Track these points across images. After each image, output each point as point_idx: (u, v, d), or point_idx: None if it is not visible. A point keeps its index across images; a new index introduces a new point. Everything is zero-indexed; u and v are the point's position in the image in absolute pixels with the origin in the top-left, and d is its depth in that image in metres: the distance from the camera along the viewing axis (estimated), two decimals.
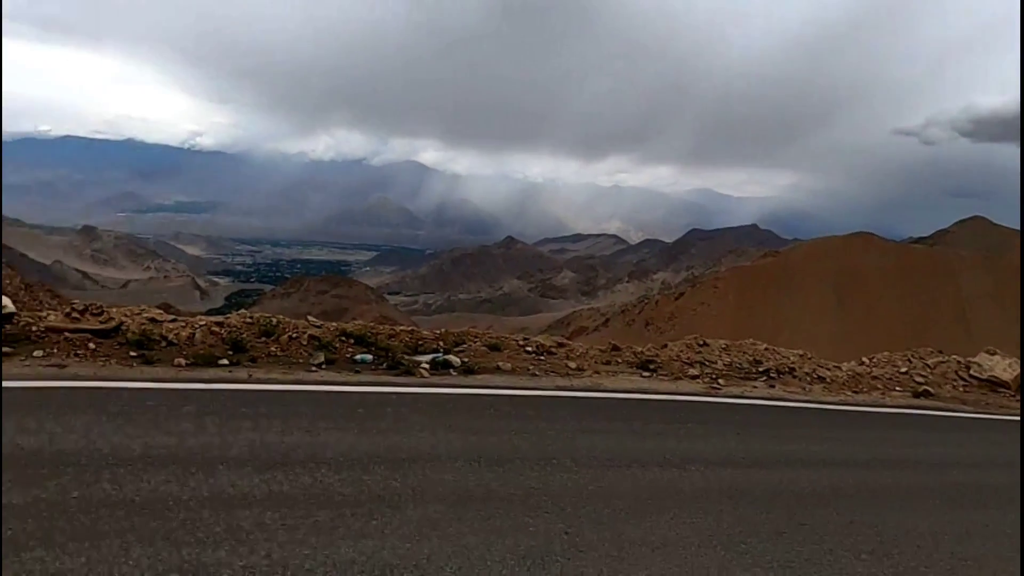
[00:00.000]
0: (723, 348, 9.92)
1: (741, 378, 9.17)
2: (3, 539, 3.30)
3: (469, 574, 3.56)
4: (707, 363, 9.40)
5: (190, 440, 4.77)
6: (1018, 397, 10.57)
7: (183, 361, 6.82)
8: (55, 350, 6.66)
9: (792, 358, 10.06)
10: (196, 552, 3.40)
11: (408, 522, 3.99)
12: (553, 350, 8.97)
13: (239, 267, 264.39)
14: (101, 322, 7.16)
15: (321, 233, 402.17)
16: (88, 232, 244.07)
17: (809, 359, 10.14)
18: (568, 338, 11.14)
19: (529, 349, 8.88)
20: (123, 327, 7.25)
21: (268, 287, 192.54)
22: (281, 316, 8.42)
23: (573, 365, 8.52)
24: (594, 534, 4.18)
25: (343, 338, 8.18)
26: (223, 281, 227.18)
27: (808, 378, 9.61)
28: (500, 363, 8.18)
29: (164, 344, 7.20)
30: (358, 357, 7.74)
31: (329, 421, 5.59)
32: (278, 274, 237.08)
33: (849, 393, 9.47)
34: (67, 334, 6.92)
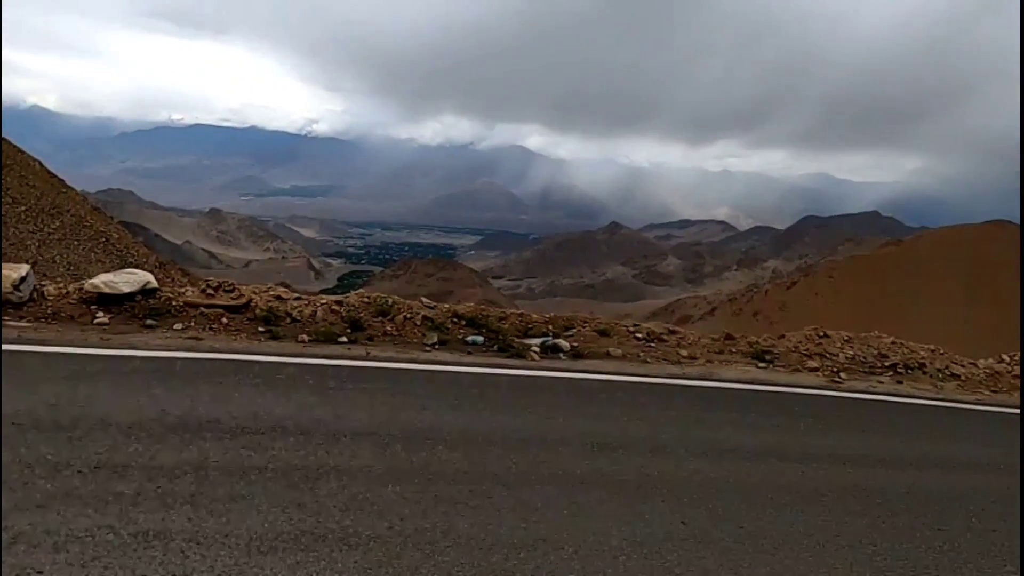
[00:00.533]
0: (845, 340, 9.45)
1: (865, 372, 8.71)
2: (155, 496, 3.56)
3: (585, 557, 3.55)
4: (828, 355, 8.98)
5: (316, 412, 5.00)
6: None
7: (306, 337, 7.15)
8: (192, 323, 7.13)
9: (922, 353, 9.46)
10: (321, 519, 3.56)
11: (523, 502, 4.02)
12: (664, 337, 8.81)
13: (351, 249, 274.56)
14: (233, 299, 7.59)
15: (428, 217, 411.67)
16: (214, 214, 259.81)
17: (941, 354, 9.51)
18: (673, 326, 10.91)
19: (639, 335, 8.76)
20: (252, 304, 7.66)
21: (378, 269, 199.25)
22: (396, 297, 8.67)
23: (685, 353, 8.34)
24: (712, 526, 4.08)
25: (455, 320, 8.33)
26: (336, 262, 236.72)
27: (940, 374, 9.01)
28: (610, 349, 8.11)
29: (289, 321, 7.56)
30: (469, 339, 7.87)
31: (444, 400, 5.72)
32: (387, 256, 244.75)
33: (987, 392, 8.82)
34: (203, 309, 7.39)
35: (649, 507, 4.19)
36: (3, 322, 6.43)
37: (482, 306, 9.13)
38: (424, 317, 8.13)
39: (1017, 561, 4.26)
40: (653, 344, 8.57)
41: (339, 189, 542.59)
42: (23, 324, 6.50)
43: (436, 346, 7.51)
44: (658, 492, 4.42)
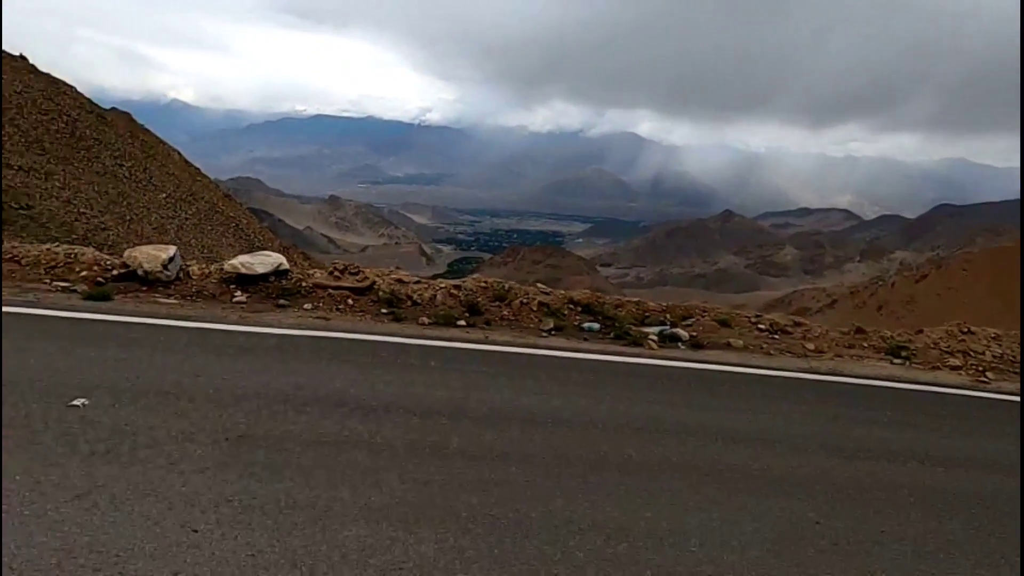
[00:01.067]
0: (992, 337, 8.73)
1: (1016, 372, 8.01)
2: (295, 465, 3.73)
3: (713, 550, 3.44)
4: (972, 353, 8.33)
5: (439, 392, 5.10)
6: None
7: (426, 320, 7.31)
8: (320, 304, 7.44)
9: None
10: (451, 498, 3.61)
11: (647, 492, 3.94)
12: (788, 329, 8.44)
13: (461, 236, 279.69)
14: (358, 281, 7.87)
15: (537, 204, 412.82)
16: (333, 201, 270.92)
17: None
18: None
19: (762, 327, 8.42)
20: (375, 286, 7.91)
21: (487, 255, 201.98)
22: (513, 283, 8.72)
23: (811, 346, 7.95)
24: (849, 528, 3.86)
25: (571, 306, 8.30)
26: (446, 248, 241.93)
27: None
28: (731, 340, 7.85)
29: (409, 303, 7.76)
30: (585, 325, 7.81)
31: (562, 385, 5.70)
32: (496, 243, 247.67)
33: None
34: (330, 290, 7.70)
35: (780, 504, 4.01)
36: (155, 299, 6.93)
37: (598, 293, 9.05)
38: (540, 303, 8.13)
39: None
40: (777, 336, 8.22)
41: (450, 177, 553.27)
42: (171, 301, 6.98)
43: (552, 332, 7.50)
44: (790, 489, 4.22)
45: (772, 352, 7.65)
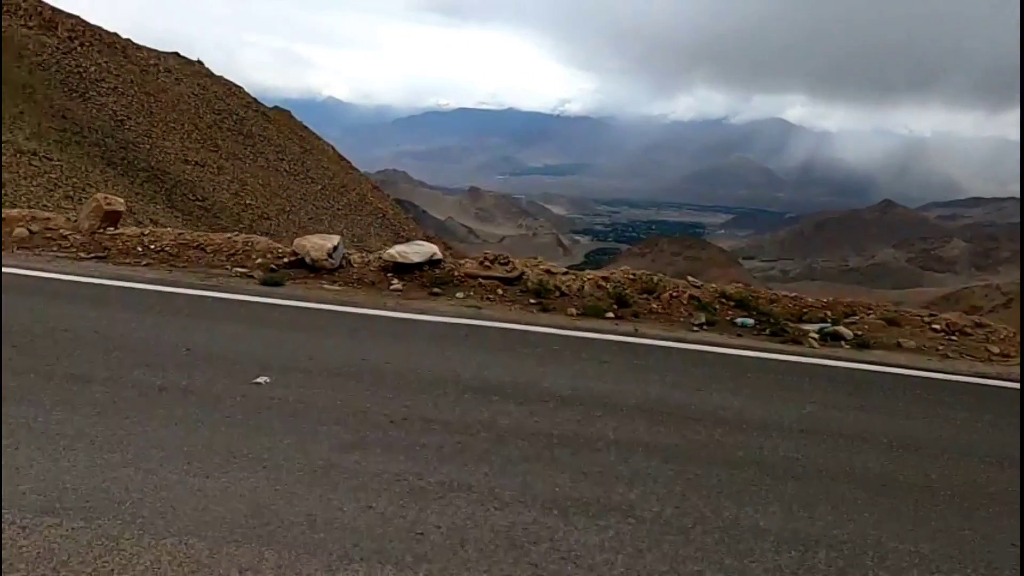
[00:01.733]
0: None
1: None
2: (455, 449, 3.85)
3: (895, 566, 3.21)
4: None
5: (592, 384, 5.09)
6: None
7: (574, 311, 7.32)
8: (471, 293, 7.63)
9: None
10: (607, 489, 3.59)
11: (819, 498, 3.74)
12: (968, 330, 7.73)
13: (598, 227, 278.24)
14: (507, 271, 8.00)
15: (677, 194, 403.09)
16: (474, 192, 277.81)
17: None
18: None
19: (936, 327, 7.76)
20: (524, 276, 8.01)
21: (624, 246, 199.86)
22: (661, 275, 8.55)
23: (996, 350, 7.24)
24: None
25: (723, 300, 8.02)
26: (583, 239, 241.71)
27: None
28: (900, 340, 7.29)
29: (558, 294, 7.80)
30: (739, 320, 7.53)
31: (718, 382, 5.53)
32: (633, 234, 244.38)
33: None
34: (480, 280, 7.88)
35: (974, 522, 3.67)
36: (321, 285, 7.39)
37: (751, 287, 8.69)
38: (691, 296, 7.92)
39: None
40: (954, 337, 7.55)
41: (589, 167, 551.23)
42: (336, 287, 7.41)
43: (704, 326, 7.29)
44: (986, 505, 3.86)
45: (949, 355, 7.03)
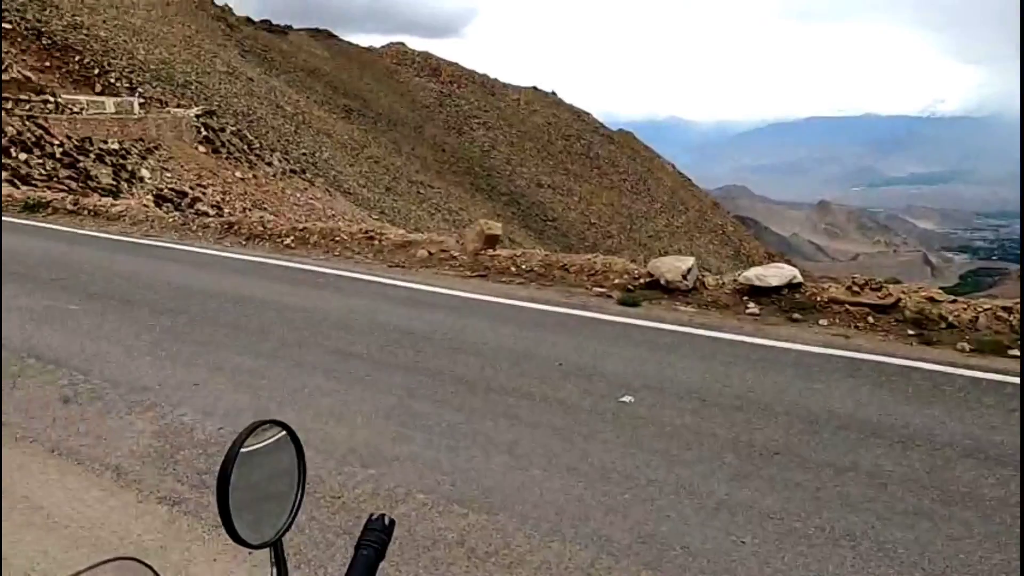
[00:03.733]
0: None
1: None
2: (835, 493, 3.59)
3: None
4: None
5: (996, 438, 4.35)
6: None
7: (966, 346, 6.35)
8: (837, 320, 7.06)
9: None
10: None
11: None
12: None
13: (978, 242, 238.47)
14: (879, 297, 7.25)
15: None
16: (823, 207, 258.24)
17: None
18: None
19: None
20: (900, 303, 7.19)
21: (1012, 266, 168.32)
22: None
23: None
24: None
25: None
26: (958, 257, 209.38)
27: None
28: None
29: (943, 325, 6.84)
30: None
31: None
32: None
33: None
34: (847, 306, 7.26)
35: None
36: (676, 306, 7.47)
37: None
38: None
39: None
40: None
41: (966, 174, 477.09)
42: (690, 309, 7.43)
43: None
44: None
45: None
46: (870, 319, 7.02)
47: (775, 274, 7.66)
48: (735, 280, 7.88)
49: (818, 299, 7.46)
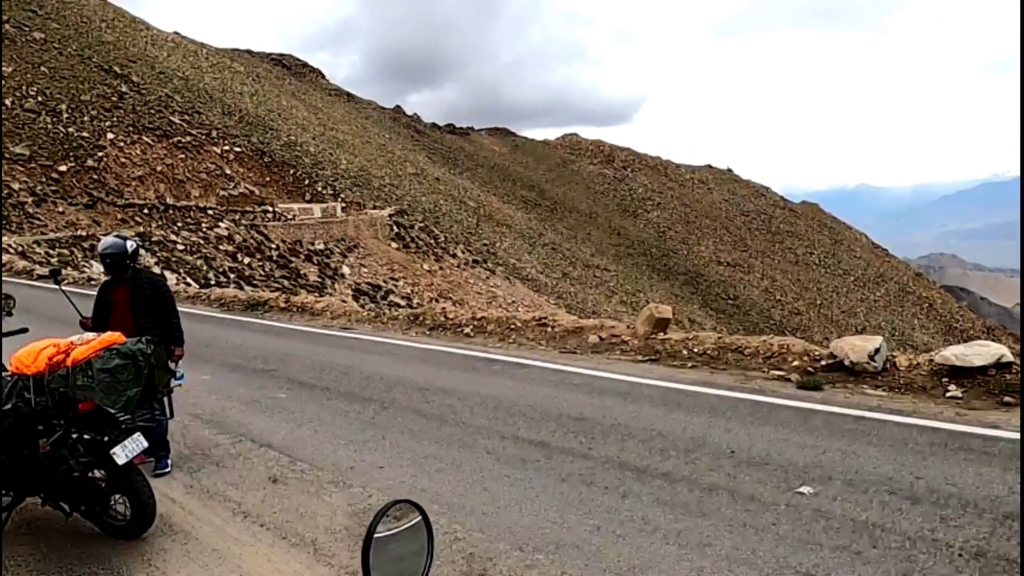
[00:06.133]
0: None
1: None
2: None
3: None
4: None
5: None
6: None
7: None
8: None
9: None
10: None
11: None
12: None
13: None
14: None
15: None
16: None
17: None
18: None
19: None
20: None
21: None
22: None
23: None
24: None
25: None
26: None
27: None
28: None
29: None
30: None
31: None
32: None
33: None
34: None
35: None
36: (863, 390, 7.00)
37: None
38: None
39: None
40: None
41: None
42: (879, 392, 6.92)
43: None
44: None
45: None
46: None
47: (979, 352, 6.97)
48: (931, 360, 7.26)
49: None
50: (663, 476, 4.94)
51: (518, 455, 5.56)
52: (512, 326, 10.88)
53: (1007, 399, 6.43)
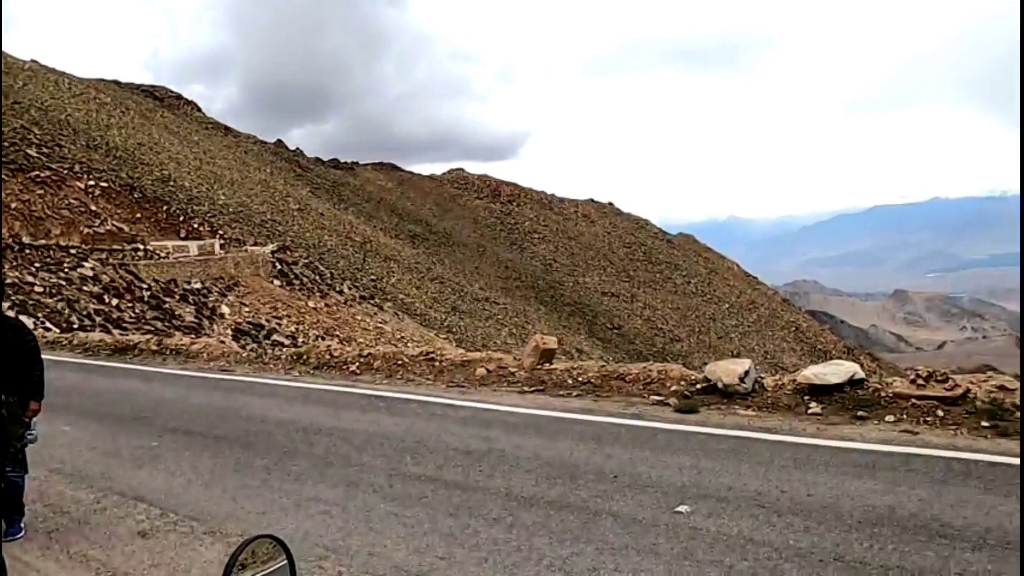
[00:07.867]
0: None
1: None
2: None
3: None
4: None
5: None
6: None
7: None
8: (904, 416, 6.84)
9: None
10: None
11: None
12: None
13: None
14: (946, 389, 7.02)
15: None
16: (899, 295, 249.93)
17: None
18: None
19: None
20: (970, 394, 6.94)
21: None
22: None
23: None
24: None
25: None
26: None
27: None
28: None
29: (1019, 415, 6.55)
30: None
31: None
32: None
33: None
34: (913, 400, 7.04)
35: None
36: (735, 411, 7.39)
37: None
38: None
39: None
40: None
41: None
42: (749, 412, 7.33)
43: None
44: None
45: None
46: (939, 412, 6.78)
47: (834, 371, 7.53)
48: (794, 380, 7.78)
49: (882, 395, 7.27)
50: (549, 504, 5.02)
51: (404, 492, 5.49)
52: (399, 362, 10.78)
53: (860, 413, 6.96)
